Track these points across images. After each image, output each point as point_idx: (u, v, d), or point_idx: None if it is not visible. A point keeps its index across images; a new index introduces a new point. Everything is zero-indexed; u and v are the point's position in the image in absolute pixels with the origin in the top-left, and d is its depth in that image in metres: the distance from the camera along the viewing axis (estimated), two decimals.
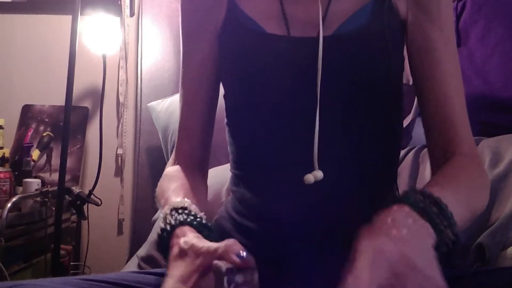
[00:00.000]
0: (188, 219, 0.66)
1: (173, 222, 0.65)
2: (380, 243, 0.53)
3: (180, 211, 0.67)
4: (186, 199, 0.70)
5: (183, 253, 0.61)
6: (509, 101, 1.42)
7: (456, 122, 0.76)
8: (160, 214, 0.70)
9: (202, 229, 0.65)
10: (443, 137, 0.76)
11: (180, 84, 0.86)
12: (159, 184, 0.82)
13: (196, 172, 0.84)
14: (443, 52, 0.77)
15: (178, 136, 0.86)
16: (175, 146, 0.87)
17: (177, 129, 0.87)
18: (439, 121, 0.76)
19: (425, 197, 0.59)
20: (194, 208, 0.68)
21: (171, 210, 0.68)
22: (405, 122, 1.35)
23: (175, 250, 0.62)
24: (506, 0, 1.54)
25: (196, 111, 0.84)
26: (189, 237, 0.62)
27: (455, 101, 0.77)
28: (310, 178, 0.72)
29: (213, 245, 0.59)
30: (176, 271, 0.60)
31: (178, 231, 0.64)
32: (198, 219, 0.66)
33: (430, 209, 0.57)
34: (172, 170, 0.83)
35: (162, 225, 0.66)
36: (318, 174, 0.72)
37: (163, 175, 0.83)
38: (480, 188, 0.73)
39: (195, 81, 0.84)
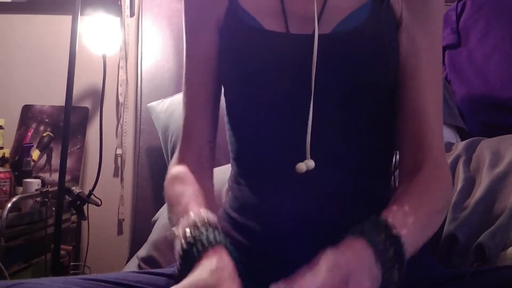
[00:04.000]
0: (223, 241, 0.66)
1: (204, 241, 0.65)
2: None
3: (209, 229, 0.67)
4: (209, 212, 0.70)
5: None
6: (509, 101, 1.43)
7: (427, 132, 0.76)
8: (180, 223, 0.69)
9: (232, 252, 0.66)
10: (413, 145, 0.76)
11: (183, 80, 0.86)
12: (169, 185, 0.81)
13: (204, 171, 0.83)
14: (425, 58, 0.77)
15: (182, 132, 0.85)
16: (179, 143, 0.86)
17: (181, 126, 0.85)
18: (410, 128, 0.77)
19: (387, 238, 0.62)
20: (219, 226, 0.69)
21: (201, 224, 0.67)
22: None
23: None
24: (506, 0, 1.54)
25: (200, 106, 0.84)
26: (228, 268, 0.63)
27: (429, 110, 0.76)
28: (301, 167, 0.73)
29: None
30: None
31: (213, 250, 0.64)
32: (227, 241, 0.67)
33: (388, 253, 0.61)
34: (181, 171, 0.81)
35: (191, 240, 0.65)
36: (310, 163, 0.73)
37: (172, 176, 0.82)
38: (437, 213, 0.74)
39: (199, 76, 0.84)
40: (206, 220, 0.67)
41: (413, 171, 0.75)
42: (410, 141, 0.77)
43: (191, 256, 0.64)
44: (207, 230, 0.66)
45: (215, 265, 0.62)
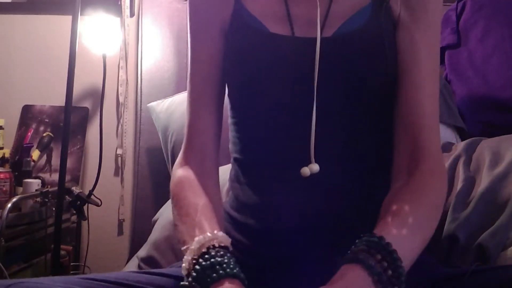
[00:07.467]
0: (235, 270, 0.65)
1: (221, 270, 0.64)
2: None
3: (226, 257, 0.66)
4: (223, 233, 0.70)
5: None
6: (509, 101, 1.43)
7: (424, 128, 0.75)
8: (193, 240, 0.69)
9: (243, 281, 0.65)
10: (409, 142, 0.76)
11: (188, 81, 0.86)
12: (177, 190, 0.80)
13: (209, 175, 0.82)
14: (424, 54, 0.77)
15: (187, 134, 0.85)
16: (184, 143, 0.85)
17: (185, 127, 0.85)
18: (407, 124, 0.76)
19: (383, 258, 0.61)
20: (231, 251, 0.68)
21: (217, 248, 0.67)
22: None
23: None
24: (506, 0, 1.54)
25: (205, 107, 0.84)
26: None
27: (426, 106, 0.76)
28: (306, 171, 0.74)
29: None
30: None
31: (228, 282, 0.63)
32: (238, 269, 0.65)
33: (386, 274, 0.60)
34: (187, 175, 0.81)
35: (207, 263, 0.64)
36: (314, 167, 0.74)
37: (178, 180, 0.81)
38: (434, 215, 0.73)
39: (203, 77, 0.84)
40: (222, 244, 0.68)
41: (410, 167, 0.74)
42: (407, 137, 0.76)
43: (204, 279, 0.64)
44: (223, 256, 0.65)
45: None
